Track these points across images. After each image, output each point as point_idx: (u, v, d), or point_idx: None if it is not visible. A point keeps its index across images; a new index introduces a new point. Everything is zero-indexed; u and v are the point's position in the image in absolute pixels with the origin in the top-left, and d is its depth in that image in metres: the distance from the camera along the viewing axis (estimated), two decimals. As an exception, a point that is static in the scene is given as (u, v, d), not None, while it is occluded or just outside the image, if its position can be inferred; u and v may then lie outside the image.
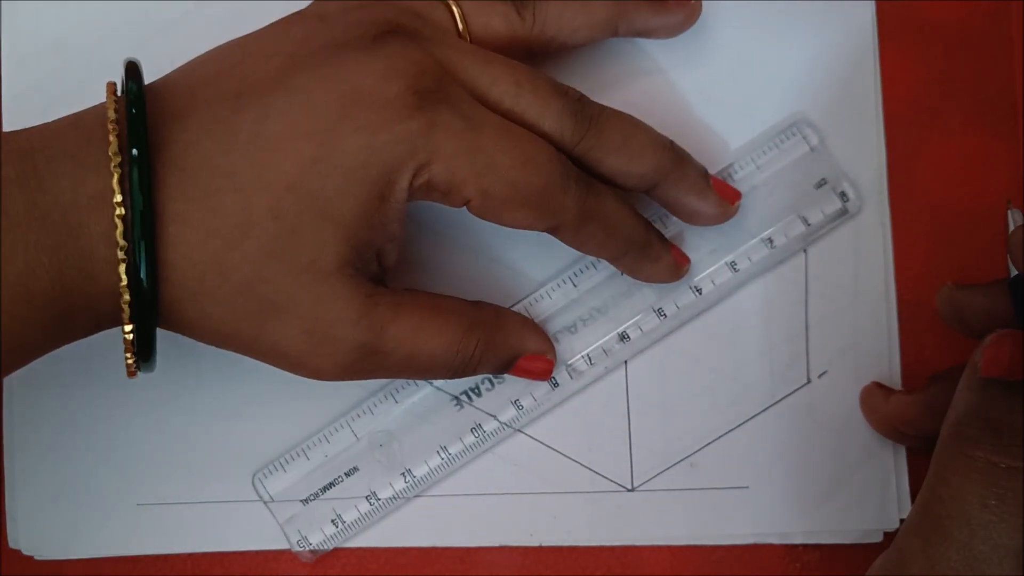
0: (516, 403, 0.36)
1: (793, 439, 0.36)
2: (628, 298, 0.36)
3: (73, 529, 0.37)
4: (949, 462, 0.28)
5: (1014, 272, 0.32)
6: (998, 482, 0.27)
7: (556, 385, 0.36)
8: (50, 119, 0.30)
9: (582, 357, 0.36)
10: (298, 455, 0.36)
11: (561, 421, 0.37)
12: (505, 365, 0.34)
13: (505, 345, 0.34)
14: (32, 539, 0.37)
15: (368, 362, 0.31)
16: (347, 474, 0.36)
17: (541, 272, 0.37)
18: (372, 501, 0.36)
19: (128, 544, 0.37)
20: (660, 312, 0.36)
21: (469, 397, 0.36)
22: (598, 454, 0.36)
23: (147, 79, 0.31)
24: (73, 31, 0.38)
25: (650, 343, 0.36)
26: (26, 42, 0.38)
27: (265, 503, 0.36)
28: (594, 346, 0.36)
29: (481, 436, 0.36)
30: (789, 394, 0.36)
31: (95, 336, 0.30)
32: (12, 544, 0.37)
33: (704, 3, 0.36)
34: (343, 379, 0.31)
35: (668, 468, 0.36)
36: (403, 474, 0.36)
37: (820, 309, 0.36)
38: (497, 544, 0.36)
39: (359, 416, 0.36)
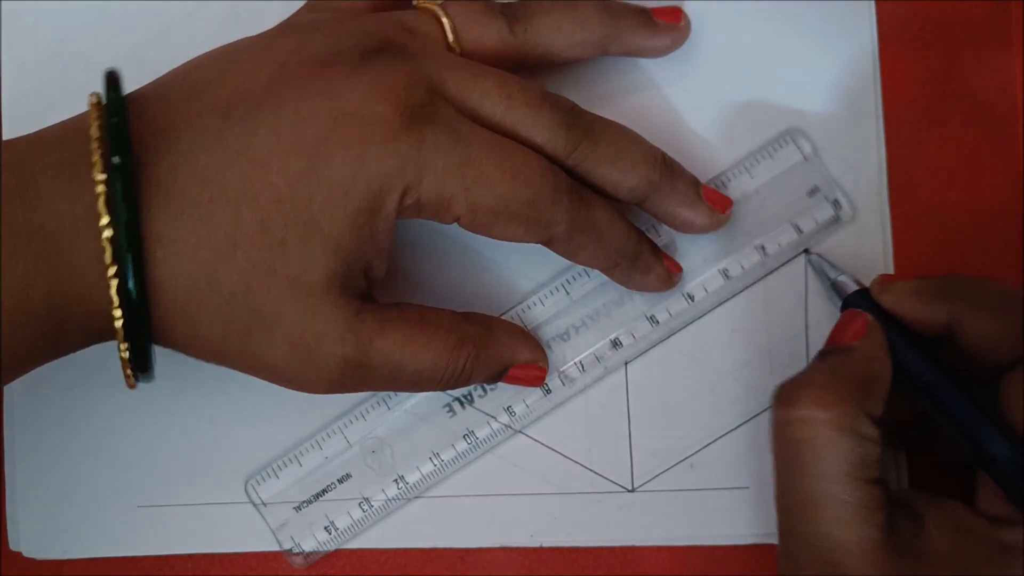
0: (508, 409, 0.36)
1: (793, 439, 0.36)
2: (620, 305, 0.36)
3: (73, 530, 0.37)
4: (771, 439, 0.32)
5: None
6: (786, 434, 0.31)
7: (549, 391, 0.36)
8: (50, 122, 0.30)
9: (574, 364, 0.36)
10: (291, 461, 0.36)
11: (561, 422, 0.37)
12: (496, 375, 0.34)
13: (495, 356, 0.34)
14: (32, 540, 0.37)
15: (355, 376, 0.31)
16: (340, 480, 0.36)
17: (534, 278, 0.37)
18: (365, 507, 0.36)
19: (128, 545, 0.37)
20: (652, 319, 0.36)
21: (462, 404, 0.36)
22: (598, 455, 0.36)
23: (146, 81, 0.31)
24: (73, 33, 0.38)
25: (642, 350, 0.37)
26: (26, 44, 0.38)
27: (258, 509, 0.36)
28: (586, 353, 0.36)
29: (474, 443, 0.36)
30: (789, 394, 0.36)
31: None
32: (12, 546, 0.37)
33: (704, 3, 0.37)
34: (331, 392, 0.31)
35: (668, 469, 0.36)
36: (395, 480, 0.36)
37: (820, 309, 0.36)
38: (497, 545, 0.37)
39: (352, 422, 0.36)
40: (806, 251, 0.36)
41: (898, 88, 0.37)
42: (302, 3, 0.34)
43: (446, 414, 0.36)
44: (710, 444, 0.36)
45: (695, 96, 0.37)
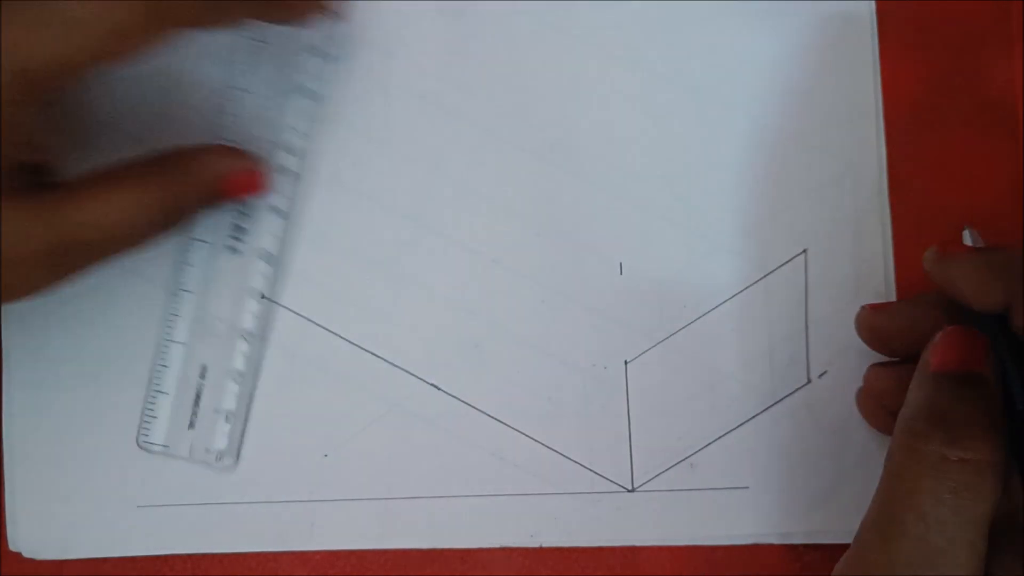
0: (274, 209, 0.37)
1: (793, 439, 0.36)
2: (298, 61, 0.37)
3: (73, 530, 0.37)
4: (902, 458, 0.28)
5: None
6: (950, 475, 0.27)
7: (289, 173, 0.37)
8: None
9: (292, 132, 0.37)
10: (155, 395, 0.37)
11: (561, 422, 0.37)
12: (214, 195, 0.34)
13: (201, 179, 0.33)
14: (32, 540, 0.37)
15: (72, 260, 0.30)
16: (201, 376, 0.37)
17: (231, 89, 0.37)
18: (236, 378, 0.37)
19: (128, 545, 0.37)
20: (326, 56, 0.37)
21: (236, 237, 0.37)
22: (598, 455, 0.36)
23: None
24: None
25: (336, 92, 0.37)
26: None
27: (165, 454, 0.37)
28: (294, 121, 0.37)
29: (273, 261, 0.37)
30: (789, 394, 0.36)
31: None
32: (12, 546, 0.37)
33: (703, 3, 0.37)
34: (59, 285, 0.31)
35: (668, 469, 0.36)
36: (240, 336, 0.37)
37: (820, 309, 0.36)
38: (497, 545, 0.36)
39: (170, 325, 0.37)
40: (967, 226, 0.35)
41: (898, 88, 0.37)
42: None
43: (231, 255, 0.37)
44: (710, 444, 0.36)
45: (690, 99, 0.37)
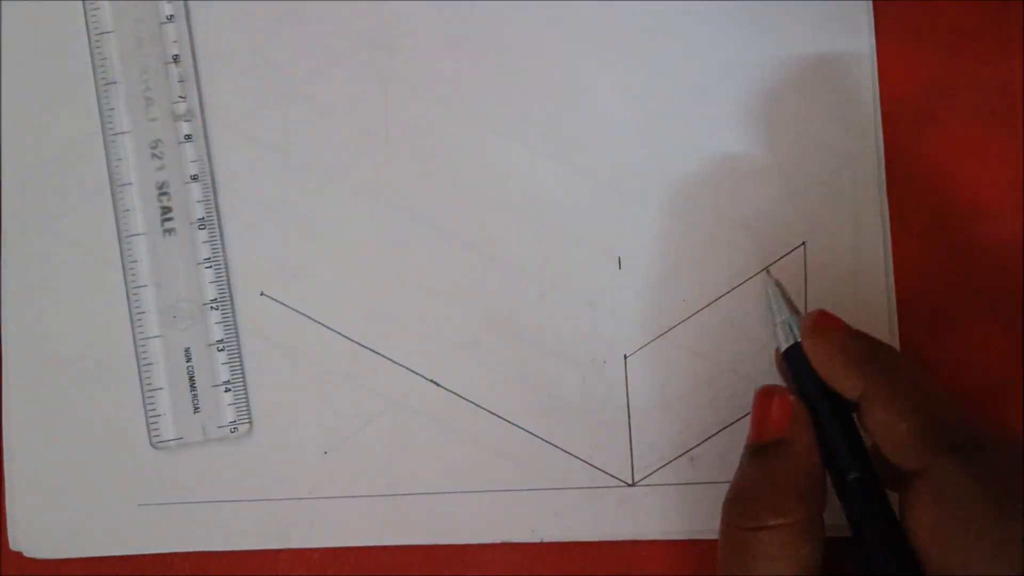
0: (191, 177, 0.37)
1: (794, 433, 0.36)
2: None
3: (73, 529, 0.37)
4: (722, 540, 0.31)
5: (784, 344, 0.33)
6: (747, 548, 0.30)
7: (189, 137, 0.37)
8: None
9: (178, 100, 0.37)
10: (152, 394, 0.37)
11: (561, 417, 0.36)
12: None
13: None
14: (32, 539, 0.37)
15: None
16: (187, 359, 0.37)
17: None
18: (220, 346, 0.37)
19: (128, 544, 0.37)
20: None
21: (167, 218, 0.37)
22: (598, 449, 0.36)
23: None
24: (75, 33, 0.38)
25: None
26: (26, 42, 0.38)
27: (182, 447, 0.37)
28: (176, 88, 0.37)
29: (208, 224, 0.37)
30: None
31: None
32: (12, 545, 0.37)
33: (700, 3, 0.37)
34: None
35: (669, 463, 0.36)
36: (207, 308, 0.37)
37: (819, 302, 0.36)
38: (498, 541, 0.36)
39: (140, 323, 0.37)
40: (767, 270, 0.36)
41: (897, 88, 0.37)
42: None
43: (168, 235, 0.37)
44: (710, 438, 0.36)
45: (690, 97, 0.37)
